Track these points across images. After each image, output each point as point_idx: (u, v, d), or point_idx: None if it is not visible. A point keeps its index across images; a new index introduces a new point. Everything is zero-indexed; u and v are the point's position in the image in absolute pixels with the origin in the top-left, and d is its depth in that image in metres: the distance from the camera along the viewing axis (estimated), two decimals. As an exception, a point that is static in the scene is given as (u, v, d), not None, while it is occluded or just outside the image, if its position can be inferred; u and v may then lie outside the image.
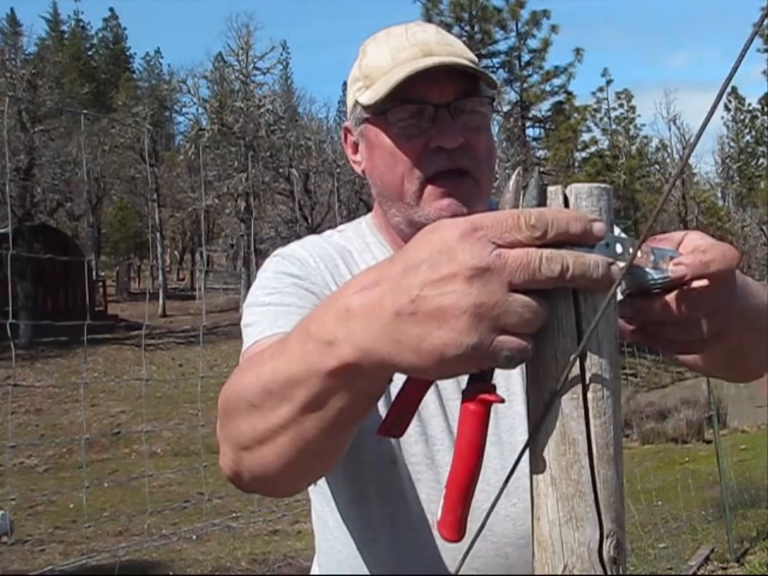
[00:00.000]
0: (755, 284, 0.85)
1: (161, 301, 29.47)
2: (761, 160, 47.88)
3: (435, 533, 1.03)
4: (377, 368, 0.58)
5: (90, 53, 58.78)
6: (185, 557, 7.11)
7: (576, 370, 0.56)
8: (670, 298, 0.62)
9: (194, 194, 30.60)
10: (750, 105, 49.07)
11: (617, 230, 0.98)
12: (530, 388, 0.58)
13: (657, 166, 45.49)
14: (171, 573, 6.65)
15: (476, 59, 1.08)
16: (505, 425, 1.08)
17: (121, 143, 31.51)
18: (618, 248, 0.57)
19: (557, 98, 33.92)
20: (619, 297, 0.60)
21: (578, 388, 0.56)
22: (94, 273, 28.96)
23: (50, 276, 22.55)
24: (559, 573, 0.56)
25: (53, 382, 17.96)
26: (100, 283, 28.80)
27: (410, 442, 1.04)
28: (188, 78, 32.19)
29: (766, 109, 47.75)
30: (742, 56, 0.50)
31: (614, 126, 43.12)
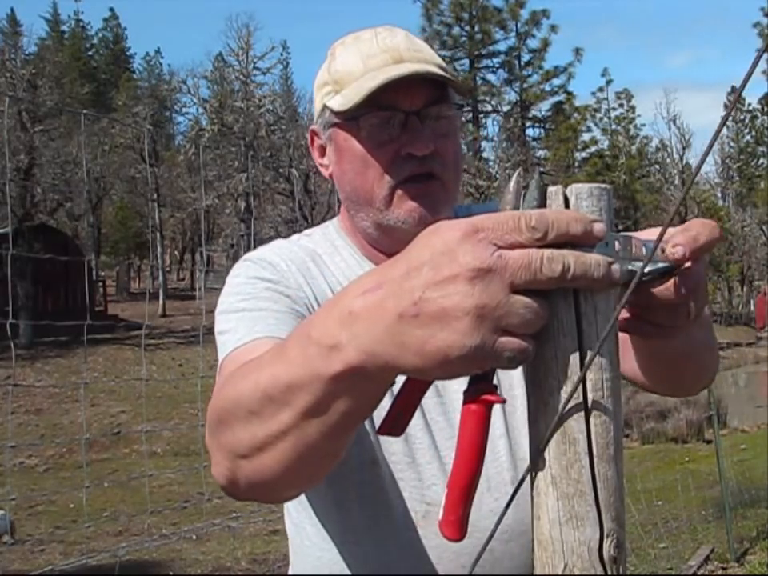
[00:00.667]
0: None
1: (161, 301, 29.42)
2: (761, 160, 47.93)
3: (420, 531, 1.03)
4: (381, 371, 0.58)
5: (90, 53, 58.87)
6: (185, 557, 7.10)
7: (576, 370, 0.56)
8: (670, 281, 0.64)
9: (194, 194, 30.59)
10: (749, 105, 49.11)
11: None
12: (531, 388, 0.59)
13: (657, 166, 45.52)
14: (171, 573, 6.65)
15: (444, 64, 1.09)
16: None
17: (121, 143, 31.47)
18: (617, 246, 0.57)
19: (557, 98, 34.01)
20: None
21: (579, 388, 0.56)
22: (94, 273, 28.92)
23: (50, 276, 22.50)
24: (559, 572, 0.56)
25: (53, 381, 17.94)
26: (100, 283, 28.75)
27: (390, 441, 1.04)
28: (188, 78, 32.29)
29: (766, 109, 47.80)
30: (748, 76, 0.50)
31: (613, 126, 43.11)
